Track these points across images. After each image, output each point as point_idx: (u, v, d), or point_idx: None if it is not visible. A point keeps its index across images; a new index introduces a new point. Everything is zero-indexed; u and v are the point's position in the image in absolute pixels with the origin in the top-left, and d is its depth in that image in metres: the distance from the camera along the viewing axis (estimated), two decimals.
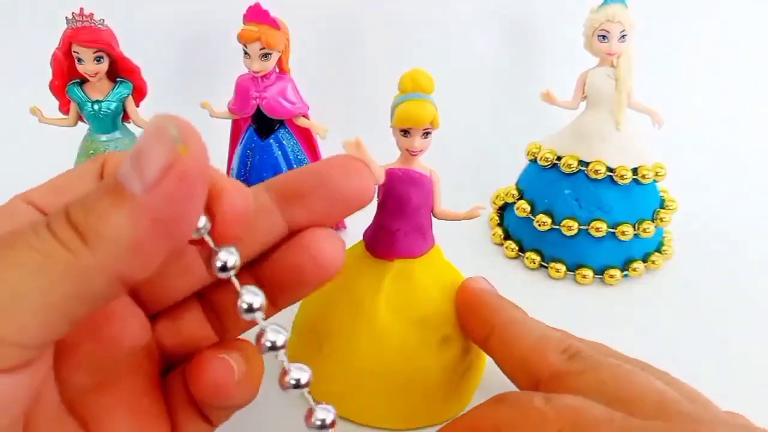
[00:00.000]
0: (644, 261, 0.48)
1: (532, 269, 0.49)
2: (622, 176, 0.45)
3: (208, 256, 0.17)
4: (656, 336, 0.41)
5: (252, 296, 0.18)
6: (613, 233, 0.46)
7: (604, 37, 0.45)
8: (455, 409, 0.34)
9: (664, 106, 0.47)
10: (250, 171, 0.46)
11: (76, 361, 0.18)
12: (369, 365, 0.33)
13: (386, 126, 0.32)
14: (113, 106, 0.44)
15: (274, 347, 0.19)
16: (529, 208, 0.49)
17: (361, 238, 0.35)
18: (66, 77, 0.43)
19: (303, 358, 0.36)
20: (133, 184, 0.15)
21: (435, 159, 0.35)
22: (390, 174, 0.32)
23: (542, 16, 0.65)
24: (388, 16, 0.63)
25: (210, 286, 0.21)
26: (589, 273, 0.47)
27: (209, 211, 0.17)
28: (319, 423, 0.19)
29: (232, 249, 0.17)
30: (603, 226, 0.46)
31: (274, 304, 0.21)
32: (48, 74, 0.43)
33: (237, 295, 0.18)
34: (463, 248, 0.42)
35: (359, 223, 0.36)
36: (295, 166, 0.47)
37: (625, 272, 0.47)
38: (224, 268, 0.17)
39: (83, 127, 0.45)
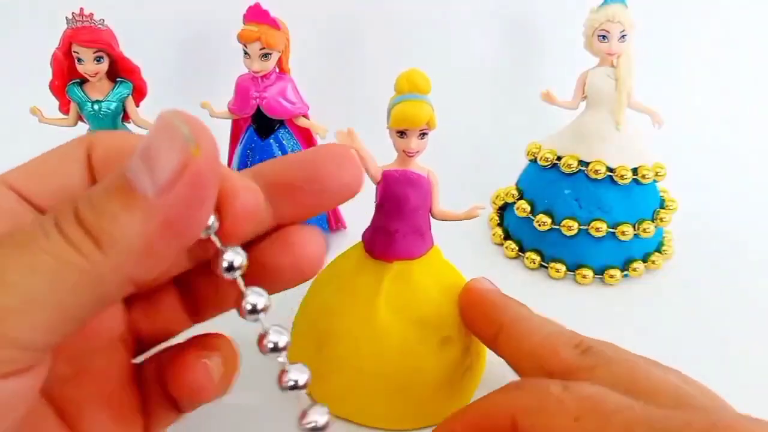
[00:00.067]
0: (644, 261, 0.48)
1: (532, 269, 0.49)
2: (622, 176, 0.45)
3: (214, 254, 0.17)
4: (656, 336, 0.41)
5: (256, 297, 0.18)
6: (613, 233, 0.46)
7: (604, 37, 0.45)
8: (455, 410, 0.34)
9: (664, 106, 0.47)
10: None
11: (55, 350, 0.16)
12: (369, 366, 0.33)
13: (386, 126, 0.32)
14: (113, 106, 0.44)
15: (276, 348, 0.19)
16: (529, 208, 0.49)
17: (360, 238, 0.35)
18: (66, 77, 0.43)
19: (303, 359, 0.36)
20: (145, 184, 0.14)
21: (435, 159, 0.35)
22: (387, 175, 0.32)
23: (542, 16, 0.65)
24: (388, 16, 0.63)
25: (188, 270, 0.20)
26: (589, 273, 0.47)
27: (219, 210, 0.16)
28: (311, 425, 0.19)
29: (239, 249, 0.17)
30: (603, 226, 0.46)
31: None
32: (48, 74, 0.43)
33: (242, 295, 0.18)
34: (463, 248, 0.42)
35: (359, 223, 0.36)
36: None
37: (625, 272, 0.47)
38: (231, 268, 0.17)
39: (83, 127, 0.45)
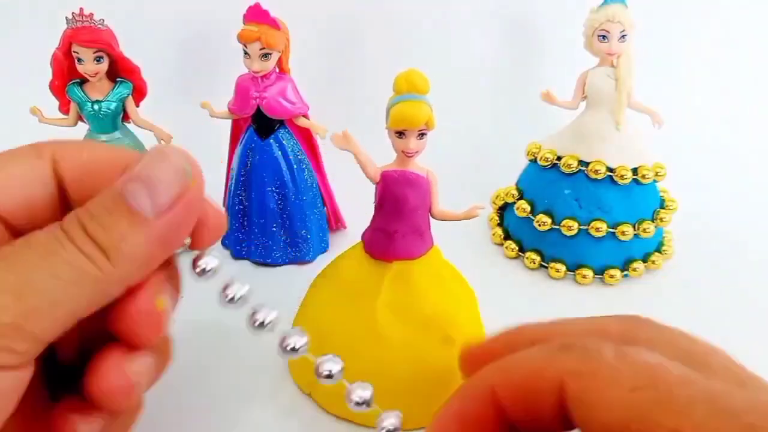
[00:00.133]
0: (644, 261, 0.48)
1: (532, 269, 0.49)
2: (622, 176, 0.45)
3: (193, 260, 0.20)
4: None
5: (239, 286, 0.21)
6: (613, 233, 0.46)
7: (604, 37, 0.45)
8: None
9: (664, 106, 0.47)
10: (250, 171, 0.46)
11: None
12: (369, 366, 0.33)
13: (385, 126, 0.32)
14: (113, 106, 0.44)
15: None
16: (529, 208, 0.49)
17: (360, 238, 0.35)
18: (66, 77, 0.43)
19: (305, 358, 0.36)
20: (145, 207, 0.17)
21: (435, 159, 0.35)
22: (386, 176, 0.32)
23: (542, 16, 0.65)
24: (388, 16, 0.63)
25: None
26: (589, 273, 0.47)
27: (197, 226, 0.20)
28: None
29: (213, 255, 0.20)
30: (603, 226, 0.46)
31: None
32: (48, 74, 0.43)
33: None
34: (463, 248, 0.42)
35: (359, 223, 0.36)
36: (295, 166, 0.47)
37: (625, 272, 0.47)
38: (204, 271, 0.20)
39: (83, 127, 0.45)
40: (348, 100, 0.64)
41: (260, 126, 0.46)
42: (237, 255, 0.49)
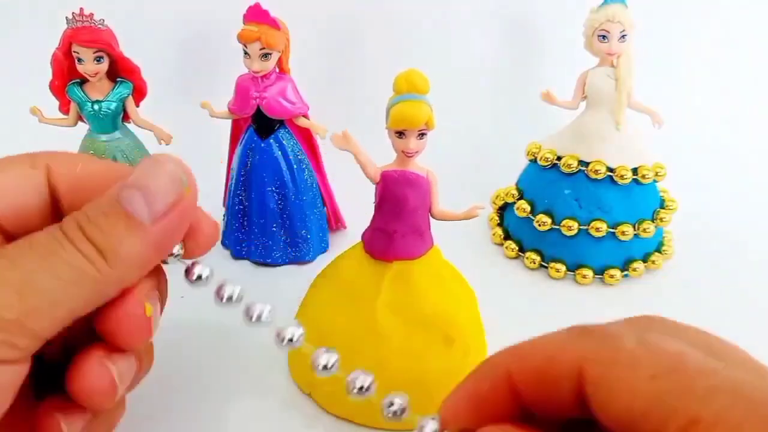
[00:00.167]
0: (644, 261, 0.48)
1: (532, 269, 0.49)
2: (622, 176, 0.45)
3: (188, 268, 0.21)
4: None
5: (231, 287, 0.21)
6: (613, 233, 0.46)
7: (604, 37, 0.45)
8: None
9: (664, 106, 0.47)
10: (250, 171, 0.46)
11: None
12: (369, 366, 0.32)
13: (385, 126, 0.32)
14: (113, 106, 0.44)
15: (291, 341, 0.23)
16: (529, 208, 0.49)
17: (360, 238, 0.35)
18: (66, 77, 0.43)
19: (305, 358, 0.36)
20: (141, 213, 0.18)
21: (435, 159, 0.35)
22: (386, 176, 0.32)
23: (542, 16, 0.65)
24: (388, 16, 0.63)
25: None
26: (589, 273, 0.47)
27: (190, 234, 0.20)
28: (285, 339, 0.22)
29: (205, 265, 0.21)
30: (603, 226, 0.46)
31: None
32: (48, 74, 0.43)
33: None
34: (463, 248, 0.42)
35: (359, 223, 0.36)
36: (295, 166, 0.47)
37: (625, 272, 0.47)
38: (199, 278, 0.21)
39: (83, 127, 0.45)
40: (348, 100, 0.64)
41: (260, 126, 0.46)
42: (237, 255, 0.49)
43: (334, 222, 0.51)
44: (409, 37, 0.64)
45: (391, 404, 0.21)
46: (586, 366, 0.17)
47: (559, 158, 0.47)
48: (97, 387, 0.19)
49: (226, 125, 0.49)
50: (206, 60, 0.63)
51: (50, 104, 0.44)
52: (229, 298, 0.21)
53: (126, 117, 0.45)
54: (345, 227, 0.52)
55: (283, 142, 0.46)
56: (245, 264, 0.48)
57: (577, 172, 0.47)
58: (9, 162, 0.21)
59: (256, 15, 0.42)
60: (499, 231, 0.52)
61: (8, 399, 0.17)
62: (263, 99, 0.44)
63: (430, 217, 0.34)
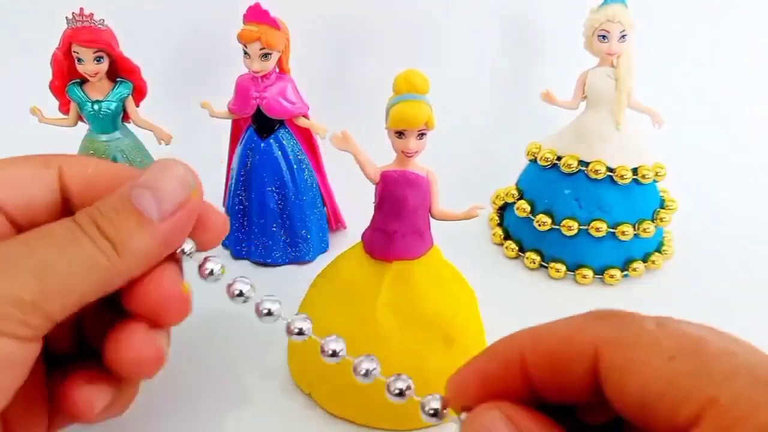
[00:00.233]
0: (644, 261, 0.48)
1: (532, 269, 0.49)
2: (622, 176, 0.45)
3: (201, 264, 0.22)
4: None
5: (241, 284, 0.22)
6: (613, 233, 0.46)
7: (604, 37, 0.45)
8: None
9: (664, 106, 0.47)
10: (250, 171, 0.46)
11: None
12: None
13: (385, 126, 0.32)
14: (113, 106, 0.44)
15: (300, 332, 0.24)
16: (529, 208, 0.49)
17: (360, 238, 0.35)
18: (66, 77, 0.43)
19: (303, 359, 0.36)
20: (151, 211, 0.20)
21: (435, 159, 0.35)
22: (386, 176, 0.32)
23: (542, 16, 0.65)
24: (389, 16, 0.63)
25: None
26: (589, 273, 0.47)
27: (200, 227, 0.22)
28: (296, 330, 0.23)
29: (215, 257, 0.22)
30: (603, 226, 0.46)
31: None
32: (48, 74, 0.43)
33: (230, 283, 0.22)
34: (463, 248, 0.42)
35: (359, 223, 0.36)
36: (295, 166, 0.47)
37: (625, 272, 0.47)
38: (212, 273, 0.22)
39: (83, 127, 0.45)
40: (348, 100, 0.64)
41: (260, 126, 0.46)
42: (237, 255, 0.49)
43: (334, 222, 0.51)
44: (409, 37, 0.64)
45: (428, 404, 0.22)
46: (603, 348, 0.17)
47: (559, 158, 0.47)
48: (146, 356, 0.21)
49: (226, 125, 0.49)
50: (206, 60, 0.63)
51: (50, 104, 0.44)
52: (240, 294, 0.22)
53: (126, 117, 0.45)
54: (345, 227, 0.52)
55: (283, 142, 0.46)
56: (245, 264, 0.48)
57: (577, 172, 0.47)
58: (23, 159, 0.22)
59: (256, 15, 0.42)
60: (499, 231, 0.52)
61: (22, 375, 0.18)
62: (263, 99, 0.44)
63: (430, 217, 0.34)
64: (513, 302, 0.44)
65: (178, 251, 0.21)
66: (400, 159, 0.32)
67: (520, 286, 0.47)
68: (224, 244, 0.49)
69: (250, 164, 0.46)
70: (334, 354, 0.23)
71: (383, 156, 0.33)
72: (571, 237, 0.47)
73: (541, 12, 0.64)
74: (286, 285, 0.46)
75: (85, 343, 0.24)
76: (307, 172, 0.48)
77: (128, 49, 0.43)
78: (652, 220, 0.47)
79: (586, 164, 0.46)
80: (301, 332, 0.23)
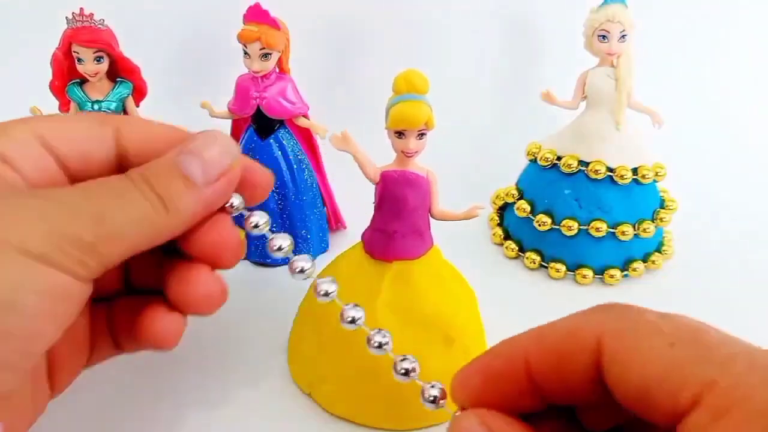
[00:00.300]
0: (644, 261, 0.48)
1: (532, 269, 0.49)
2: (622, 176, 0.45)
3: (246, 218, 0.24)
4: None
5: (281, 240, 0.25)
6: (613, 233, 0.46)
7: (604, 37, 0.45)
8: (453, 409, 0.34)
9: (664, 106, 0.47)
10: None
11: None
12: (369, 366, 0.33)
13: (384, 126, 0.32)
14: (113, 106, 0.44)
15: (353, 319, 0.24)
16: (529, 208, 0.49)
17: (360, 238, 0.35)
18: (66, 77, 0.43)
19: (303, 359, 0.36)
20: (197, 177, 0.21)
21: (435, 159, 0.35)
22: (386, 176, 0.32)
23: (542, 16, 0.65)
24: (389, 16, 0.63)
25: None
26: (589, 273, 0.47)
27: (246, 183, 0.23)
28: (298, 269, 0.25)
29: (261, 212, 0.24)
30: (603, 226, 0.46)
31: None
32: (48, 74, 0.43)
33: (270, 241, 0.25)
34: (463, 248, 0.42)
35: (359, 223, 0.36)
36: (295, 166, 0.47)
37: (625, 272, 0.47)
38: (257, 226, 0.24)
39: None
40: (348, 100, 0.64)
41: (260, 126, 0.46)
42: None
43: (334, 222, 0.51)
44: (409, 37, 0.64)
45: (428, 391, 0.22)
46: (605, 338, 0.17)
47: (559, 158, 0.47)
48: (216, 291, 0.23)
49: (226, 125, 0.49)
50: (206, 60, 0.63)
51: (50, 104, 0.44)
52: (256, 226, 0.24)
53: None
54: (345, 227, 0.52)
55: (283, 142, 0.46)
56: (245, 264, 0.48)
57: (577, 172, 0.47)
58: (82, 116, 0.24)
59: (256, 15, 0.42)
60: (499, 231, 0.52)
61: (76, 312, 0.19)
62: (263, 99, 0.44)
63: (430, 217, 0.34)
64: (513, 302, 0.44)
65: (227, 206, 0.23)
66: (400, 159, 0.32)
67: (520, 286, 0.47)
68: None
69: None
70: (353, 321, 0.25)
71: (383, 156, 0.33)
72: (571, 237, 0.47)
73: (541, 12, 0.64)
74: (286, 285, 0.46)
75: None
76: (307, 172, 0.48)
77: (128, 49, 0.43)
78: (652, 220, 0.47)
79: (586, 164, 0.46)
80: (326, 294, 0.25)
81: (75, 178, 0.22)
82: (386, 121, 0.31)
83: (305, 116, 0.46)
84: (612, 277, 0.47)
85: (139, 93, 0.45)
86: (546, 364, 0.18)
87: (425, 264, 0.34)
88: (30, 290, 0.18)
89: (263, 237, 0.24)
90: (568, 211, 0.47)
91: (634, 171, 0.46)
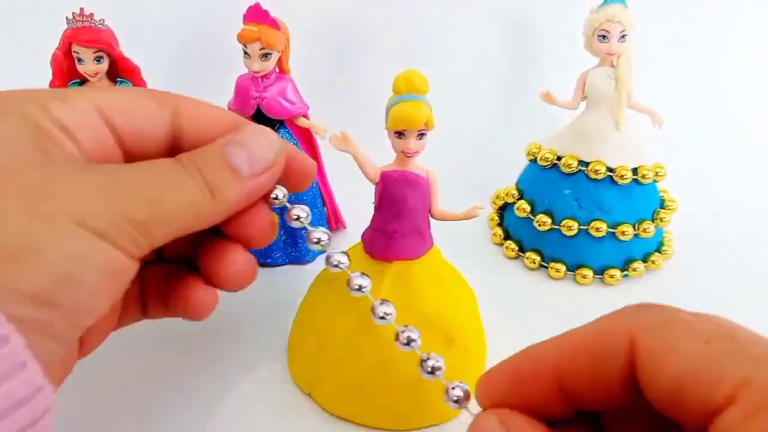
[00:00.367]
0: (644, 261, 0.48)
1: (532, 269, 0.49)
2: (622, 176, 0.45)
3: (288, 211, 0.25)
4: None
5: (320, 233, 0.25)
6: (613, 233, 0.46)
7: (604, 37, 0.45)
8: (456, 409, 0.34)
9: (664, 106, 0.47)
10: None
11: None
12: (369, 366, 0.33)
13: (384, 127, 0.32)
14: None
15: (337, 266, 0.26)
16: (529, 208, 0.49)
17: (360, 238, 0.35)
18: (66, 77, 0.43)
19: (303, 359, 0.36)
20: (243, 169, 0.22)
21: (435, 159, 0.35)
22: (386, 176, 0.32)
23: (542, 16, 0.65)
24: (389, 16, 0.63)
25: None
26: (589, 273, 0.47)
27: (289, 171, 0.24)
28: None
29: (303, 206, 0.25)
30: (603, 226, 0.46)
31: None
32: (48, 74, 0.43)
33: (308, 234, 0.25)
34: (463, 248, 0.42)
35: (359, 223, 0.36)
36: None
37: (625, 272, 0.47)
38: (298, 218, 0.25)
39: None
40: (348, 100, 0.64)
41: None
42: None
43: (334, 222, 0.51)
44: (409, 37, 0.64)
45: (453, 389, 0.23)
46: (639, 335, 0.17)
47: (559, 158, 0.47)
48: (248, 270, 0.24)
49: None
50: (206, 60, 0.63)
51: None
52: (297, 218, 0.25)
53: None
54: (345, 227, 0.52)
55: None
56: None
57: (577, 172, 0.47)
58: (141, 92, 0.24)
59: (256, 15, 0.42)
60: (499, 231, 0.52)
61: (124, 288, 0.20)
62: (263, 99, 0.44)
63: (430, 217, 0.34)
64: (513, 302, 0.44)
65: (271, 197, 0.24)
66: (400, 159, 0.32)
67: (520, 286, 0.47)
68: None
69: None
70: (359, 289, 0.25)
71: (383, 156, 0.33)
72: (571, 237, 0.47)
73: (541, 12, 0.64)
74: (286, 285, 0.46)
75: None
76: None
77: (128, 49, 0.43)
78: (652, 220, 0.47)
79: (586, 164, 0.46)
80: (337, 265, 0.25)
81: (128, 152, 0.23)
82: (386, 121, 0.31)
83: (305, 116, 0.46)
84: (612, 277, 0.47)
85: None
86: (577, 366, 0.18)
87: (425, 264, 0.34)
88: (89, 265, 0.18)
89: (303, 229, 0.26)
90: (568, 211, 0.47)
91: (634, 171, 0.46)
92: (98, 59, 0.42)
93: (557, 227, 0.47)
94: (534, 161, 0.49)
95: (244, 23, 0.42)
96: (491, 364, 0.36)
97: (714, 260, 0.50)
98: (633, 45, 0.46)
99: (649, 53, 0.52)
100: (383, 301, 0.25)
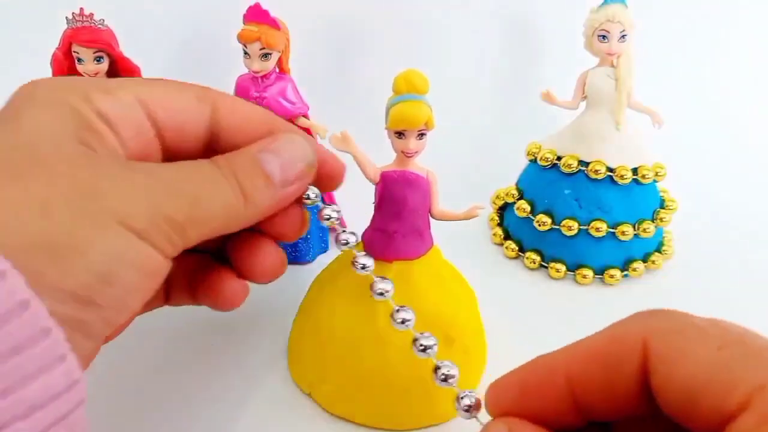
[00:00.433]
0: (644, 261, 0.48)
1: (532, 269, 0.49)
2: (622, 176, 0.45)
3: (320, 211, 0.25)
4: None
5: (348, 235, 0.26)
6: (613, 233, 0.46)
7: (604, 37, 0.45)
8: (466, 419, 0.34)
9: (664, 106, 0.47)
10: None
11: None
12: (369, 366, 0.33)
13: (384, 127, 0.32)
14: None
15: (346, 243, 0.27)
16: (529, 208, 0.49)
17: (360, 239, 0.35)
18: None
19: (303, 359, 0.36)
20: (275, 177, 0.22)
21: (435, 159, 0.35)
22: (386, 176, 0.32)
23: (542, 16, 0.65)
24: (389, 16, 0.63)
25: None
26: (589, 273, 0.47)
27: (321, 173, 0.25)
28: (343, 241, 0.26)
29: (334, 206, 0.26)
30: (603, 226, 0.46)
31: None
32: (48, 74, 0.43)
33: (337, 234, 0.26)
34: (463, 248, 0.42)
35: (359, 223, 0.36)
36: None
37: (625, 272, 0.47)
38: (329, 217, 0.25)
39: None
40: (348, 100, 0.64)
41: None
42: None
43: None
44: (409, 37, 0.64)
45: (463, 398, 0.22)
46: (652, 339, 0.17)
47: (559, 158, 0.47)
48: (279, 264, 0.25)
49: None
50: (206, 60, 0.63)
51: None
52: (346, 243, 0.26)
53: None
54: (345, 227, 0.52)
55: None
56: None
57: (577, 172, 0.47)
58: (182, 86, 0.23)
59: (256, 15, 0.42)
60: (499, 231, 0.52)
61: (158, 287, 0.20)
62: (263, 99, 0.44)
63: (430, 217, 0.34)
64: (513, 302, 0.44)
65: (303, 197, 0.25)
66: (400, 159, 0.32)
67: (520, 286, 0.47)
68: None
69: None
70: (382, 294, 0.26)
71: (383, 156, 0.33)
72: (571, 237, 0.47)
73: (541, 12, 0.64)
74: (286, 285, 0.46)
75: None
76: None
77: (128, 49, 0.43)
78: (652, 220, 0.47)
79: (586, 164, 0.46)
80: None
81: (167, 147, 0.23)
82: (386, 121, 0.31)
83: (305, 116, 0.46)
84: (612, 277, 0.47)
85: None
86: (590, 374, 0.18)
87: (425, 264, 0.34)
88: (128, 265, 0.18)
89: (332, 229, 0.26)
90: (568, 211, 0.47)
91: (634, 171, 0.46)
92: (98, 59, 0.42)
93: (557, 227, 0.47)
94: (534, 161, 0.49)
95: (244, 23, 0.42)
96: (491, 364, 0.36)
97: (714, 260, 0.50)
98: (633, 45, 0.46)
99: (649, 53, 0.52)
100: (402, 307, 0.26)
